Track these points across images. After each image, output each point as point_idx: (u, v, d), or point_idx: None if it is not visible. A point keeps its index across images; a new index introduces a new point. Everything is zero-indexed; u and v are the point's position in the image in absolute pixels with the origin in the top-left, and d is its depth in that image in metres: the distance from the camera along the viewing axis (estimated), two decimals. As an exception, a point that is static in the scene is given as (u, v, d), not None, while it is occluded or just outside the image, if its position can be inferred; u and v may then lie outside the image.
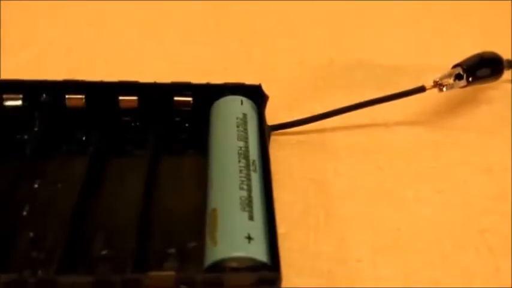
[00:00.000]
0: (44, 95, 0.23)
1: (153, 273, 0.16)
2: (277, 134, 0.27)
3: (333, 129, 0.27)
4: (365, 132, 0.28)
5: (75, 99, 0.24)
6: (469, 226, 0.23)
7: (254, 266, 0.17)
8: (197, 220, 0.19)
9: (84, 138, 0.24)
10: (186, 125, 0.25)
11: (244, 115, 0.23)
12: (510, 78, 0.31)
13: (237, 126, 0.22)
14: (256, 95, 0.24)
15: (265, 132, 0.22)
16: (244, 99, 0.24)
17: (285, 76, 0.31)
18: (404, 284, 0.20)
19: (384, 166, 0.26)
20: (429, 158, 0.26)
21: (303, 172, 0.25)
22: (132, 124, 0.25)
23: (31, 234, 0.19)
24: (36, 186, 0.22)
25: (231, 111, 0.23)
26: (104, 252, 0.19)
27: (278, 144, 0.26)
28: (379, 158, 0.26)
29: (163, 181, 0.23)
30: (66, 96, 0.24)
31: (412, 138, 0.27)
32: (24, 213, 0.20)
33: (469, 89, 0.29)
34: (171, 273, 0.16)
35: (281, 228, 0.22)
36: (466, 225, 0.23)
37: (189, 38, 0.34)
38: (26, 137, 0.23)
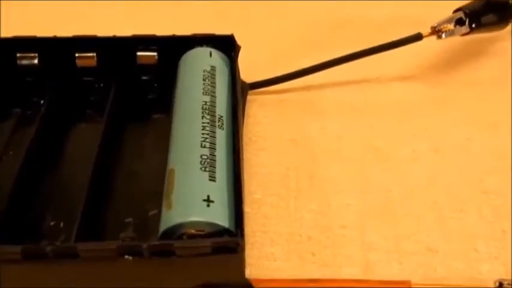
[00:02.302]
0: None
1: (91, 244, 0.14)
2: (257, 93, 0.24)
3: (320, 86, 0.25)
4: (355, 89, 0.25)
5: (27, 57, 0.21)
6: (471, 186, 0.20)
7: (214, 232, 0.14)
8: (162, 186, 0.17)
9: (42, 102, 0.21)
10: (155, 84, 0.22)
11: (213, 68, 0.20)
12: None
13: (204, 80, 0.19)
14: (228, 46, 0.21)
15: (236, 86, 0.20)
16: (214, 51, 0.21)
17: (270, 34, 0.28)
18: (395, 252, 0.18)
19: (375, 125, 0.23)
20: (427, 116, 0.24)
21: (284, 133, 0.22)
22: (96, 85, 0.22)
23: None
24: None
25: (198, 64, 0.20)
26: (52, 223, 0.17)
27: (258, 104, 0.24)
28: (370, 116, 0.23)
29: (126, 146, 0.20)
30: (17, 55, 0.21)
31: (407, 95, 0.25)
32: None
33: (472, 39, 0.26)
34: (113, 242, 0.14)
35: (257, 193, 0.20)
36: (468, 185, 0.20)
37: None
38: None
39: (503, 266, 0.18)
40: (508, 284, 0.16)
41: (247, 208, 0.19)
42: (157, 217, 0.16)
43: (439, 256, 0.18)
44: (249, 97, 0.24)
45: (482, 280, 0.17)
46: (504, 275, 0.17)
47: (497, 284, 0.17)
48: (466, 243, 0.18)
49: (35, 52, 0.21)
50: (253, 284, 0.15)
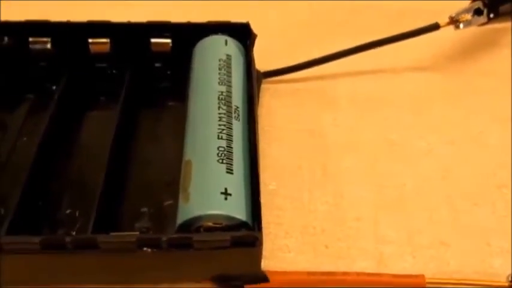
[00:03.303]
0: (6, 38, 0.21)
1: (111, 235, 0.14)
2: (272, 82, 0.24)
3: (334, 75, 0.25)
4: (370, 79, 0.25)
5: (40, 42, 0.21)
6: (485, 180, 0.20)
7: (231, 225, 0.14)
8: (177, 175, 0.17)
9: (54, 88, 0.21)
10: (168, 72, 0.22)
11: (228, 57, 0.20)
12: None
13: (219, 69, 0.19)
14: (243, 34, 0.21)
15: (252, 75, 0.20)
16: (230, 39, 0.21)
17: (285, 22, 0.28)
18: (408, 245, 0.18)
19: (390, 116, 0.23)
20: (442, 107, 0.23)
21: (298, 123, 0.22)
22: (108, 72, 0.22)
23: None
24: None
25: (214, 53, 0.20)
26: (68, 212, 0.17)
27: (272, 93, 0.24)
28: (384, 107, 0.23)
29: (141, 134, 0.20)
30: (30, 39, 0.21)
31: (422, 85, 0.24)
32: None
33: (489, 30, 0.26)
34: (132, 235, 0.14)
35: (271, 184, 0.20)
36: (482, 179, 0.20)
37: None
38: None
39: (516, 260, 0.18)
40: (521, 279, 0.16)
41: (261, 199, 0.19)
42: (173, 207, 0.16)
43: (452, 250, 0.18)
44: (262, 86, 0.23)
45: (494, 274, 0.17)
46: (516, 270, 0.17)
47: (510, 279, 0.17)
48: (478, 237, 0.18)
49: (47, 37, 0.21)
50: (269, 276, 0.15)
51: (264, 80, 0.24)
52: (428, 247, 0.18)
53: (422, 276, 0.16)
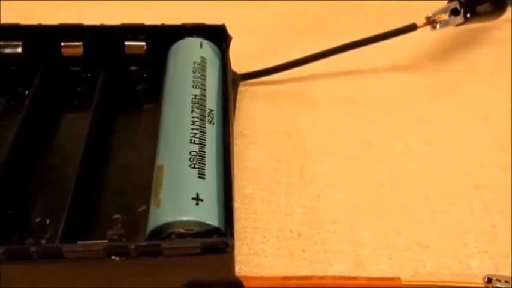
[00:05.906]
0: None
1: (77, 244, 0.13)
2: (250, 84, 0.24)
3: (312, 77, 0.24)
4: (349, 80, 0.25)
5: (11, 45, 0.20)
6: (462, 180, 0.20)
7: (203, 231, 0.14)
8: (150, 180, 0.17)
9: (26, 92, 0.21)
10: (144, 75, 0.22)
11: (203, 59, 0.20)
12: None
13: (194, 72, 0.19)
14: (219, 36, 0.21)
15: (228, 78, 0.19)
16: (205, 41, 0.20)
17: (262, 24, 0.28)
18: (385, 247, 0.18)
19: (368, 117, 0.23)
20: (420, 107, 0.23)
21: (276, 125, 0.22)
22: (82, 75, 0.22)
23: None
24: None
25: (188, 55, 0.20)
26: (38, 219, 0.17)
27: (250, 95, 0.24)
28: (364, 108, 0.23)
29: (114, 138, 0.20)
30: (0, 43, 0.20)
31: (401, 85, 0.24)
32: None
33: (467, 29, 0.26)
34: (100, 243, 0.13)
35: (247, 188, 0.19)
36: (460, 179, 0.20)
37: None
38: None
39: (492, 260, 0.18)
40: (497, 279, 0.16)
41: (238, 203, 0.18)
42: (146, 213, 0.16)
43: (429, 251, 0.18)
44: (240, 88, 0.23)
45: (471, 275, 0.17)
46: (493, 270, 0.17)
47: (486, 280, 0.17)
48: (456, 238, 0.18)
49: (18, 40, 0.21)
50: (243, 281, 0.15)
51: (242, 83, 0.24)
52: (405, 249, 0.18)
53: (399, 278, 0.16)
